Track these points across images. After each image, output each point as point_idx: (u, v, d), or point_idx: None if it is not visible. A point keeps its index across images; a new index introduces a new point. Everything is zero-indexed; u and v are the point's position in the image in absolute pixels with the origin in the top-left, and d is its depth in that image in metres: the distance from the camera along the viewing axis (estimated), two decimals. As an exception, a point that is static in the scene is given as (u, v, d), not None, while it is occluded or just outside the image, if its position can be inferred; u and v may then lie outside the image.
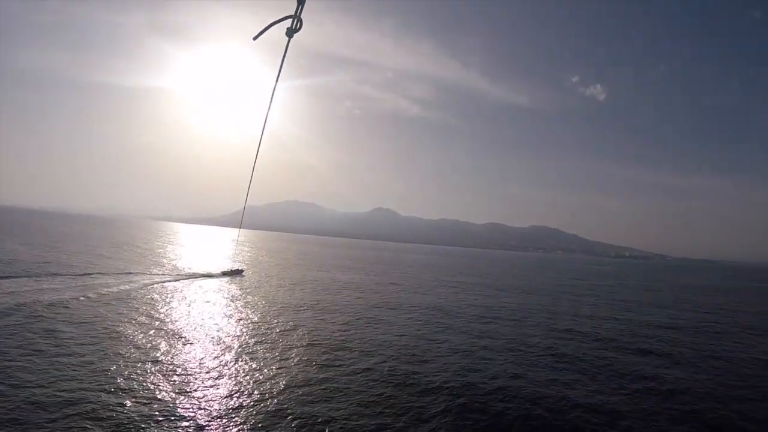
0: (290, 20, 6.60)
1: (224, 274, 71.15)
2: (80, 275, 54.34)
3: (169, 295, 46.94)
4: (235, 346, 29.12)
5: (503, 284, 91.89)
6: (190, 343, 29.21)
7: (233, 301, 46.30)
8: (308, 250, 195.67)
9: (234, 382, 22.59)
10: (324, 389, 22.36)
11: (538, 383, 25.87)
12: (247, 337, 31.58)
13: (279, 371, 24.53)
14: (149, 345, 27.97)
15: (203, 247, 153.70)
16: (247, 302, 46.30)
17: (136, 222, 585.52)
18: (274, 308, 43.67)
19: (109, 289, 46.32)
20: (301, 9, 6.49)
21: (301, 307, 45.26)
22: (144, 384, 21.37)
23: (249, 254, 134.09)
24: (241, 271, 76.02)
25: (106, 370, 22.71)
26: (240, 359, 26.37)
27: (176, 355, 26.42)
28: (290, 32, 6.73)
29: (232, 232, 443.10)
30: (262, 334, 32.82)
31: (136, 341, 28.50)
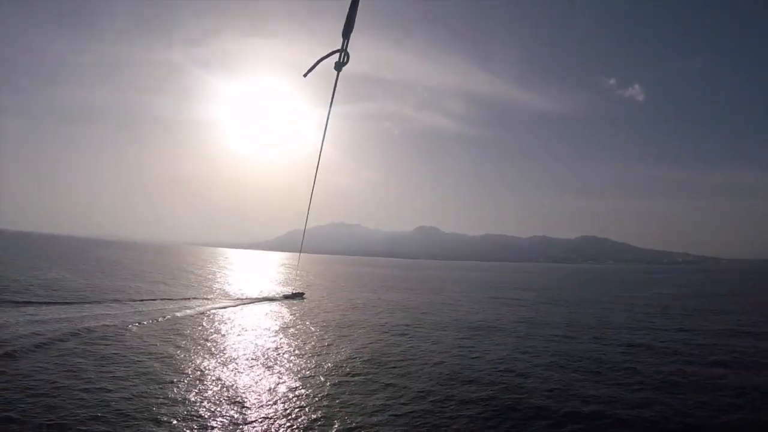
0: (338, 54, 6.77)
1: (286, 297, 72.74)
2: (137, 301, 55.91)
3: (235, 321, 48.07)
4: (292, 379, 28.03)
5: (562, 298, 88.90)
6: (248, 374, 28.46)
7: (296, 327, 46.59)
8: (358, 272, 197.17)
9: (285, 423, 21.61)
10: None
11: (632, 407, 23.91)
12: (307, 369, 30.45)
13: (334, 412, 23.19)
14: (208, 373, 27.39)
15: (259, 272, 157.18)
16: (309, 327, 46.55)
17: (185, 248, 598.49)
18: (336, 333, 43.36)
19: (169, 315, 47.36)
20: (347, 43, 6.60)
21: (358, 333, 43.97)
22: (196, 417, 20.52)
23: (305, 277, 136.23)
24: (303, 294, 77.01)
25: (160, 401, 21.86)
26: (296, 395, 25.22)
27: (230, 387, 25.53)
28: (338, 66, 6.84)
29: (280, 256, 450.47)
30: (319, 365, 31.58)
31: (193, 369, 27.97)
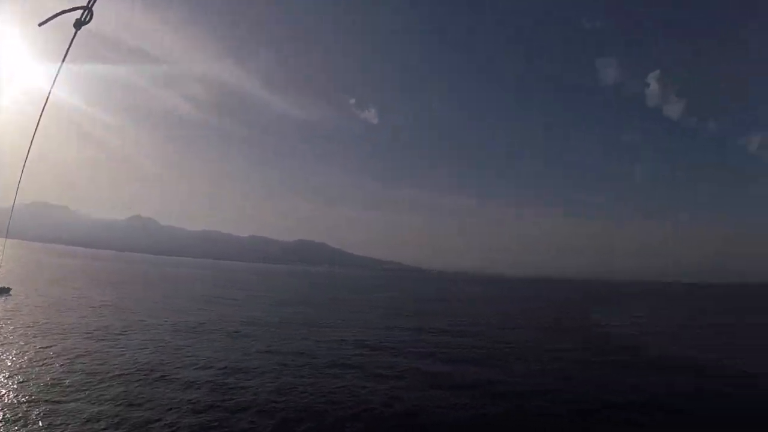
0: (80, 11, 6.42)
1: None
2: None
3: None
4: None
5: (282, 298, 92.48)
6: None
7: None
8: (63, 263, 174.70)
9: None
10: None
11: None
12: (8, 392, 23.41)
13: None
14: None
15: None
16: (9, 334, 37.58)
17: None
18: (42, 343, 35.00)
19: None
20: (94, 2, 6.35)
21: (67, 342, 36.22)
22: None
23: (5, 267, 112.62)
24: (9, 289, 64.38)
25: None
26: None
27: None
28: (79, 24, 6.58)
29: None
30: (23, 387, 24.92)
31: None
